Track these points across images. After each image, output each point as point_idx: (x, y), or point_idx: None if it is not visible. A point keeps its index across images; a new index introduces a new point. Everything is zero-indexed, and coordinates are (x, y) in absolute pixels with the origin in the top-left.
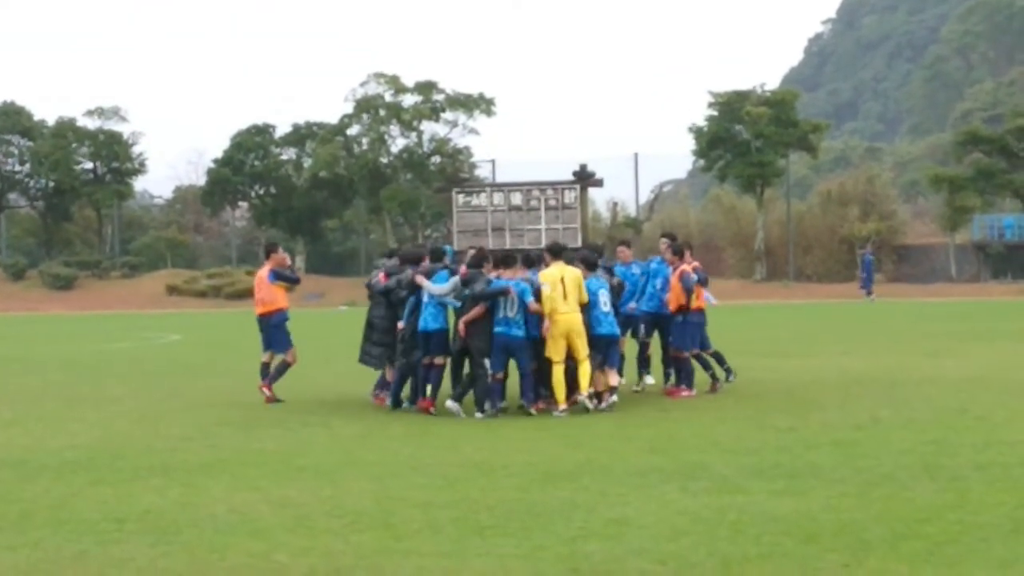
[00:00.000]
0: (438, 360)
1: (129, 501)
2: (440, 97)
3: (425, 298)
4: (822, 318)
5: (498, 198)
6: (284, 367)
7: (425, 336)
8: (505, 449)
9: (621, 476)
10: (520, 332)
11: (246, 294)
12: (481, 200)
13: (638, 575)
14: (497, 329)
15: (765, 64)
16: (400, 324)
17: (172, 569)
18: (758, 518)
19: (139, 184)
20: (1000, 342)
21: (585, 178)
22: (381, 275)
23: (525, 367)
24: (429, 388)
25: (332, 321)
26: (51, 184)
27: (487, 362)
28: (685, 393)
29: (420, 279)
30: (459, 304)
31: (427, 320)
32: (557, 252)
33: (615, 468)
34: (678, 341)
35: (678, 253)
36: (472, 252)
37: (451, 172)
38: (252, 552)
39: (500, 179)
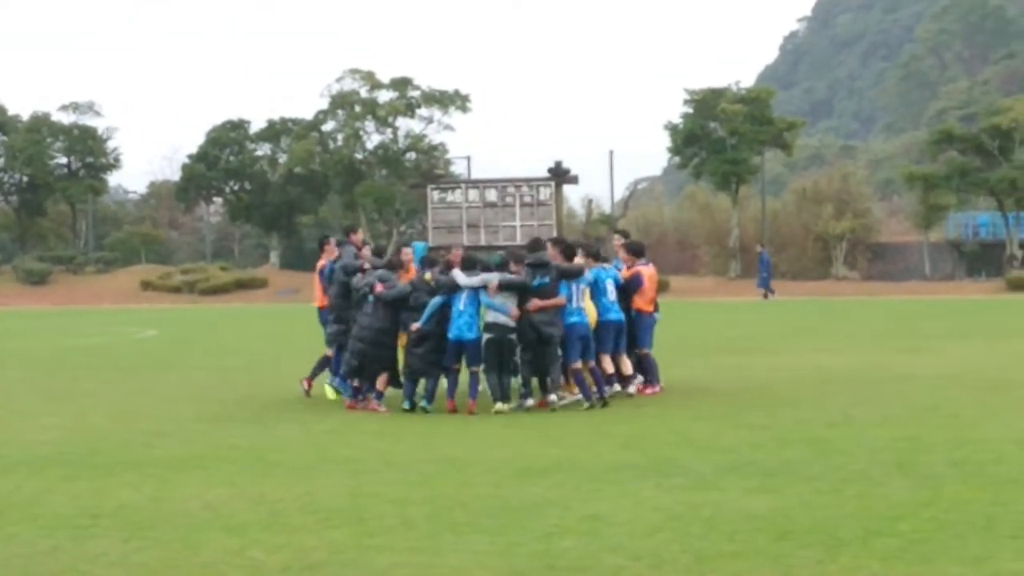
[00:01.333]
0: (473, 368)
1: (103, 496)
2: (415, 93)
3: (460, 305)
4: (796, 316)
5: (473, 195)
6: (325, 362)
7: (459, 345)
8: (479, 445)
9: (596, 473)
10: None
11: (220, 289)
12: (456, 196)
13: (613, 571)
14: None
15: (740, 62)
16: (415, 325)
17: (146, 564)
18: (732, 515)
19: (113, 179)
20: (974, 340)
21: (560, 175)
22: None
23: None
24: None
25: (306, 317)
26: (25, 179)
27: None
28: (650, 390)
29: (455, 273)
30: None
31: (462, 329)
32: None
33: (590, 465)
34: (642, 340)
35: (636, 253)
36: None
37: (426, 168)
38: (226, 548)
39: (475, 176)
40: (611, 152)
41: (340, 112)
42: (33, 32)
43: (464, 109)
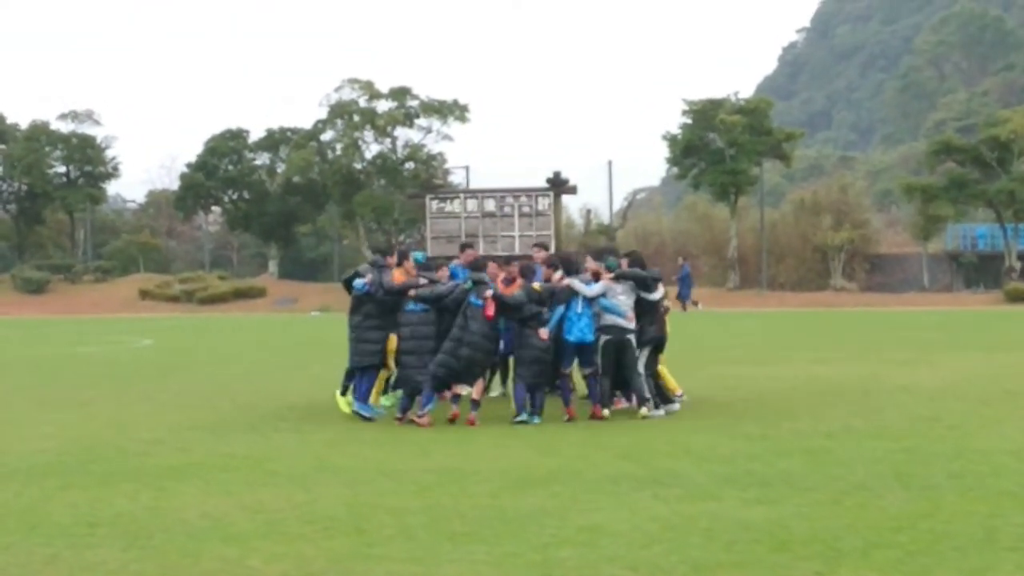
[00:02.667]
0: (588, 371)
1: (101, 505)
2: (414, 103)
3: (579, 308)
4: (795, 326)
5: (472, 204)
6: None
7: (578, 348)
8: (477, 455)
9: (593, 483)
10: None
11: (219, 299)
12: (455, 206)
13: None
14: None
15: (739, 73)
16: (544, 332)
17: (144, 573)
18: (730, 525)
19: (112, 188)
20: (973, 352)
21: (559, 185)
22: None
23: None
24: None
25: (304, 326)
26: (24, 188)
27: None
28: (621, 404)
29: (573, 282)
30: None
31: (584, 331)
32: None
33: (587, 475)
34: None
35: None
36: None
37: (425, 178)
38: (224, 557)
39: (474, 185)
40: (610, 162)
41: (339, 122)
42: (32, 41)
43: (463, 119)
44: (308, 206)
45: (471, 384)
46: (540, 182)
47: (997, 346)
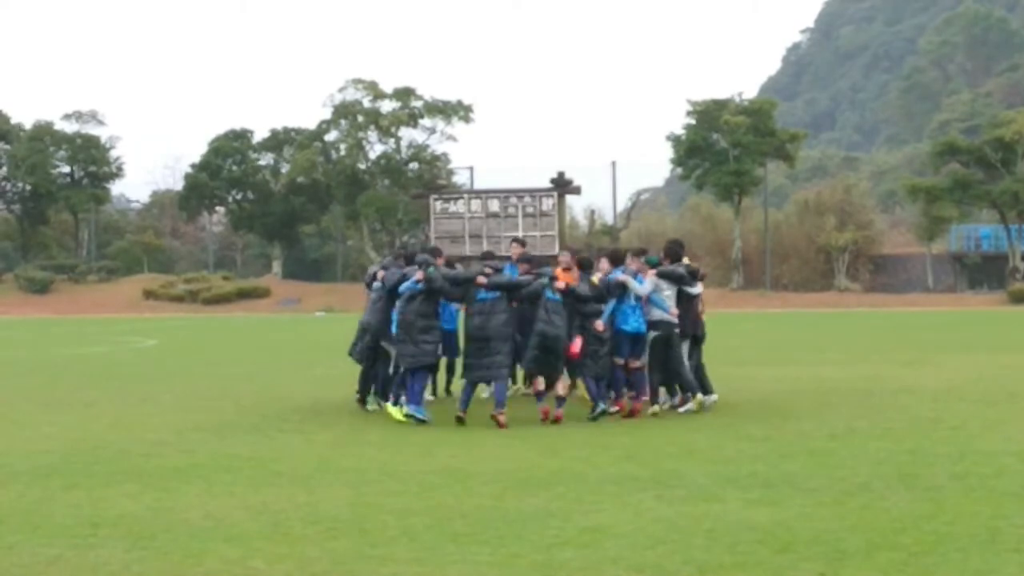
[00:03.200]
0: (637, 364)
1: (104, 506)
2: (418, 104)
3: (632, 300)
4: (799, 327)
5: (476, 205)
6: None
7: (634, 339)
8: (480, 456)
9: (596, 484)
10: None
11: (223, 299)
12: (459, 207)
13: None
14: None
15: (743, 73)
16: (599, 324)
17: (147, 574)
18: (733, 527)
19: (116, 188)
20: (976, 352)
21: (563, 185)
22: (380, 272)
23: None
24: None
25: (309, 327)
26: (28, 188)
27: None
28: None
29: (627, 279)
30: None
31: (640, 322)
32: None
33: (590, 476)
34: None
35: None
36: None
37: (429, 178)
38: (228, 558)
39: (478, 186)
40: (614, 163)
41: (343, 122)
42: (36, 42)
43: (467, 119)
44: (312, 206)
45: (557, 378)
46: (544, 182)
47: (1001, 347)
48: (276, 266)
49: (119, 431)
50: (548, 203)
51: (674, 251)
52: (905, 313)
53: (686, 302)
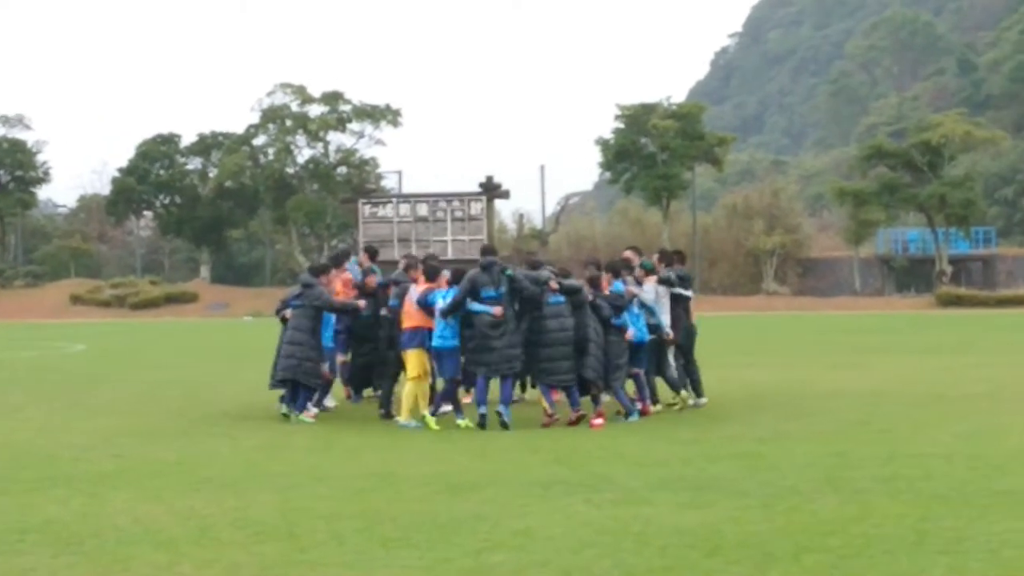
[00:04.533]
0: (637, 370)
1: (31, 511)
2: (346, 108)
3: (636, 309)
4: (727, 330)
5: (404, 209)
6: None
7: (637, 346)
8: (410, 460)
9: (526, 488)
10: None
11: (151, 304)
12: (387, 211)
13: None
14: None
15: (671, 77)
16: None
17: None
18: (663, 530)
19: (43, 193)
20: (903, 355)
21: (491, 189)
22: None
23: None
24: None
25: (237, 331)
26: None
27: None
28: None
29: (635, 289)
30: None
31: (644, 330)
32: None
33: (520, 480)
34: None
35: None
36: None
37: (357, 183)
38: (156, 563)
39: (406, 190)
40: (542, 167)
41: (271, 126)
42: None
43: (395, 123)
44: (240, 211)
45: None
46: (473, 187)
47: (928, 350)
48: (204, 271)
49: (47, 436)
50: (477, 207)
51: (668, 258)
52: (833, 316)
53: (679, 306)
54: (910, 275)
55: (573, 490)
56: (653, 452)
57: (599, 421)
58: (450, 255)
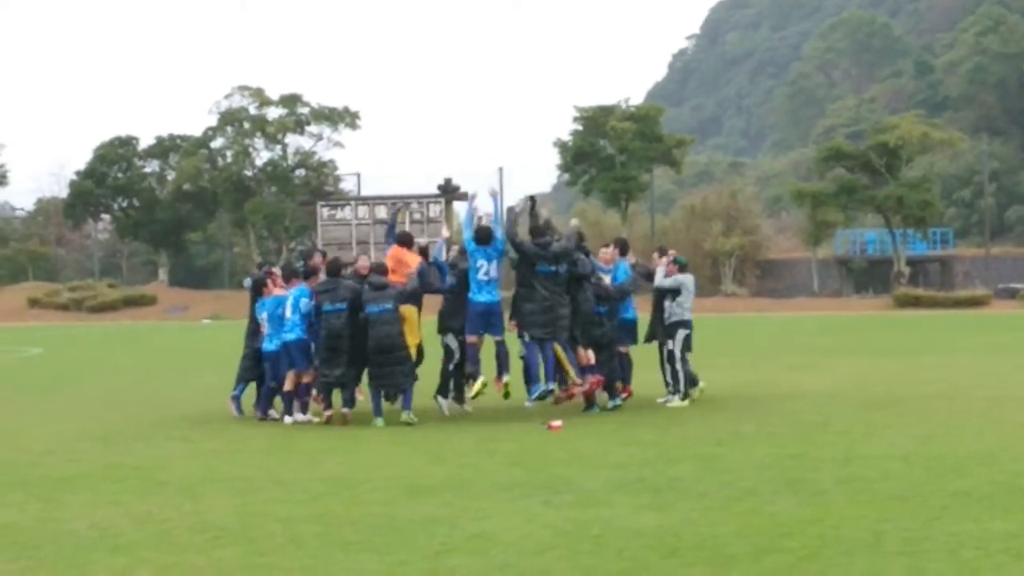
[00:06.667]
0: (625, 349)
1: None
2: (305, 110)
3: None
4: None
5: (363, 211)
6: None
7: (631, 327)
8: (368, 463)
9: (484, 490)
10: None
11: (109, 307)
12: (346, 213)
13: None
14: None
15: (630, 79)
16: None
17: None
18: (621, 532)
19: (0, 196)
20: (862, 357)
21: (450, 191)
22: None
23: None
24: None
25: (196, 334)
26: None
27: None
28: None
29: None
30: None
31: (635, 312)
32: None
33: (478, 482)
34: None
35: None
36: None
37: (316, 185)
38: (113, 568)
39: (365, 192)
40: (500, 169)
41: (229, 129)
42: None
43: (353, 126)
44: (198, 213)
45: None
46: (431, 189)
47: (886, 351)
48: (163, 273)
49: (3, 441)
50: (435, 209)
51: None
52: (791, 318)
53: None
54: (868, 276)
55: (532, 492)
56: (612, 454)
57: (558, 423)
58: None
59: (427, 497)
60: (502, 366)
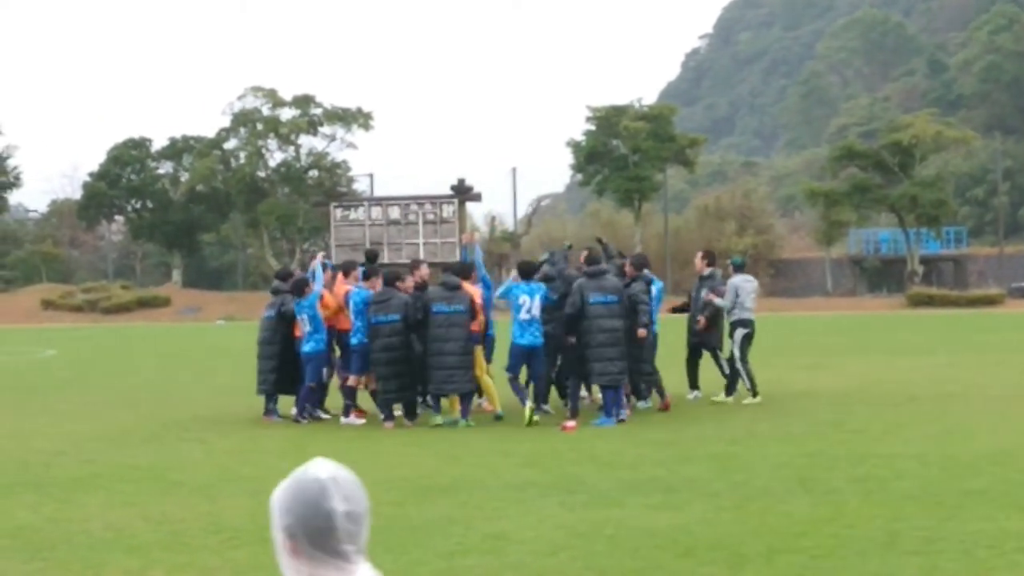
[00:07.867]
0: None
1: (2, 517)
2: (318, 111)
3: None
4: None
5: (376, 212)
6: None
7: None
8: (383, 464)
9: (499, 491)
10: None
11: (122, 308)
12: (359, 214)
13: None
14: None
15: (643, 79)
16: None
17: None
18: (635, 532)
19: (14, 198)
20: (875, 356)
21: (463, 192)
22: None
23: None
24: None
25: (210, 335)
26: None
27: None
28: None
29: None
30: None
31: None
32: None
33: (493, 483)
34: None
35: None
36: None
37: (329, 186)
38: (128, 569)
39: (378, 193)
40: (514, 169)
41: (242, 130)
42: None
43: (367, 127)
44: (212, 215)
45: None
46: (445, 189)
47: (900, 350)
48: (176, 275)
49: (17, 441)
50: (449, 210)
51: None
52: (805, 317)
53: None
54: (881, 276)
55: (546, 493)
56: (625, 454)
57: (572, 424)
58: (422, 257)
59: (441, 497)
60: (537, 395)
